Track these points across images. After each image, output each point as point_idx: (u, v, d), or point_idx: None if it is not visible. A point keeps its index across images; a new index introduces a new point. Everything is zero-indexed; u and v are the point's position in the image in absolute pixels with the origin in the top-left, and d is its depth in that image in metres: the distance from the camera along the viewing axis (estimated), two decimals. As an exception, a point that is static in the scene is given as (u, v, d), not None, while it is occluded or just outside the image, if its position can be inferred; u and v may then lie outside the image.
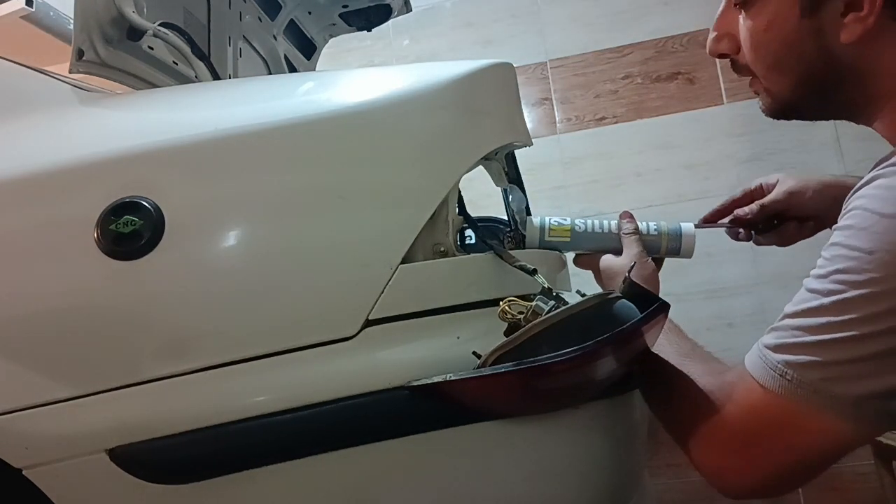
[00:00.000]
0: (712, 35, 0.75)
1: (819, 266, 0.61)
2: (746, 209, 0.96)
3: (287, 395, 0.66)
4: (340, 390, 0.66)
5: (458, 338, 0.70)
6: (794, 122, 0.76)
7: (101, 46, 0.96)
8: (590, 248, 0.90)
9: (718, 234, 0.99)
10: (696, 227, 0.95)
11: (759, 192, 0.98)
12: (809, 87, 0.69)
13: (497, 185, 0.94)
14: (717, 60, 1.97)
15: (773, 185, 0.96)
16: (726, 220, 0.98)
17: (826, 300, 0.59)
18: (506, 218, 1.02)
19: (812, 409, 0.59)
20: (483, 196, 1.20)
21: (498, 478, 0.69)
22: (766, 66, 0.71)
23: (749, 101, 1.96)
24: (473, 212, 0.88)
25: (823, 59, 0.67)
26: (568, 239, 0.87)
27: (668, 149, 1.98)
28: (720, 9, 0.75)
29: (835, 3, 0.64)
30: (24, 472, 0.65)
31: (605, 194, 2.00)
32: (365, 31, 1.57)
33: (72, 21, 0.97)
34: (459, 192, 0.80)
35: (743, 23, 0.71)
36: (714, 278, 1.91)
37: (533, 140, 0.87)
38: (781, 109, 0.73)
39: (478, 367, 0.66)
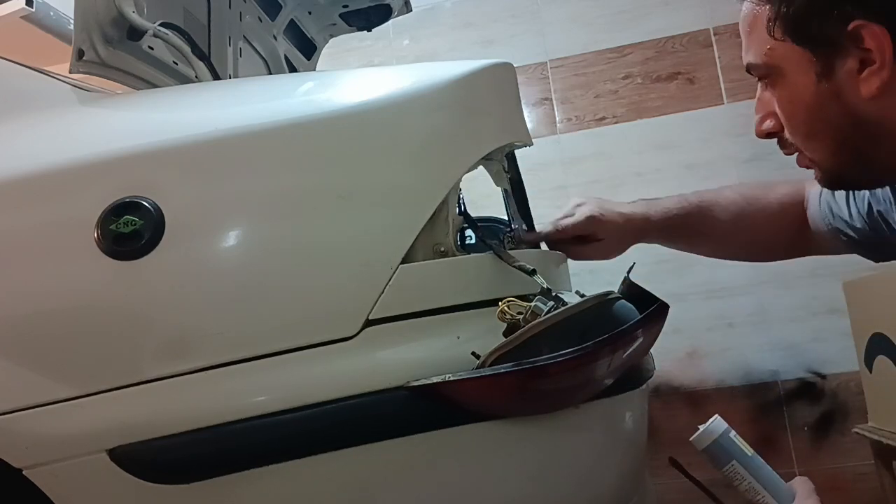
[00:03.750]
0: (757, 117, 0.75)
1: None
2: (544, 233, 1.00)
3: (287, 395, 0.66)
4: (340, 390, 0.66)
5: (458, 338, 0.70)
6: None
7: (101, 46, 0.96)
8: (760, 479, 0.76)
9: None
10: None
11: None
12: (847, 151, 0.68)
13: (497, 185, 0.94)
14: (718, 60, 1.98)
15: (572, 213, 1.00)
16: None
17: None
18: (506, 218, 1.02)
19: None
20: (483, 196, 1.20)
21: (498, 478, 0.69)
22: (801, 137, 0.71)
23: (749, 101, 1.95)
24: (473, 212, 0.88)
25: (850, 120, 0.65)
26: (750, 453, 0.76)
27: (668, 149, 1.98)
28: (757, 93, 0.74)
29: (848, 64, 0.63)
30: (24, 473, 0.65)
31: (605, 194, 1.97)
32: (365, 31, 1.57)
33: (72, 21, 0.97)
34: (459, 192, 0.80)
35: (774, 99, 0.71)
36: (714, 278, 1.91)
37: (533, 140, 0.87)
38: (832, 179, 0.73)
39: (477, 368, 0.66)
